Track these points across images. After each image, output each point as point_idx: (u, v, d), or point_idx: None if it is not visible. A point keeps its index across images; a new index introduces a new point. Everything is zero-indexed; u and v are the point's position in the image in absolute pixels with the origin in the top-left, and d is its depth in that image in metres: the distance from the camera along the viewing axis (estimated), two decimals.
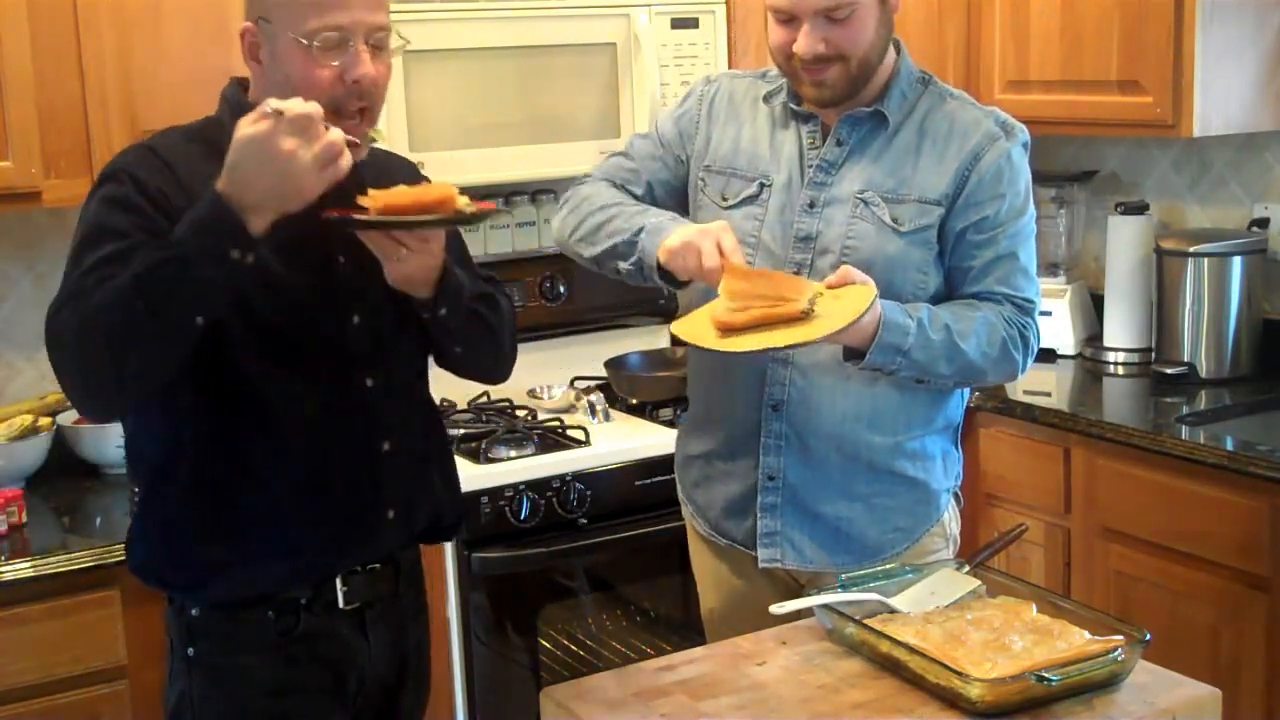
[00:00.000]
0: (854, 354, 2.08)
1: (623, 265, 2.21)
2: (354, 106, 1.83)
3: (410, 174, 2.10)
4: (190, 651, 1.91)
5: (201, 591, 1.89)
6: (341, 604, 1.93)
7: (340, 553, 1.92)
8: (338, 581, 1.92)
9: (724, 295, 1.98)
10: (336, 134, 1.68)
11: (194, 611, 1.90)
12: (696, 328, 2.01)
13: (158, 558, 1.92)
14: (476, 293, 2.00)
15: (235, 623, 1.89)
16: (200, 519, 1.87)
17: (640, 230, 2.18)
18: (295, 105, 1.65)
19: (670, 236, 2.11)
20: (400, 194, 1.80)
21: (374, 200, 1.79)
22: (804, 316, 1.94)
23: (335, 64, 1.80)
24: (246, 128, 1.66)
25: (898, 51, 2.24)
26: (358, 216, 1.78)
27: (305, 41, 1.78)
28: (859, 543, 2.25)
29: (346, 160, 1.69)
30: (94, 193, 1.82)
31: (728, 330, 1.94)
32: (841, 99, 2.19)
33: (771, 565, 2.27)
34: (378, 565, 1.97)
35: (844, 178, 2.21)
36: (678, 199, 2.35)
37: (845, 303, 1.97)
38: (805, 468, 2.23)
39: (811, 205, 2.21)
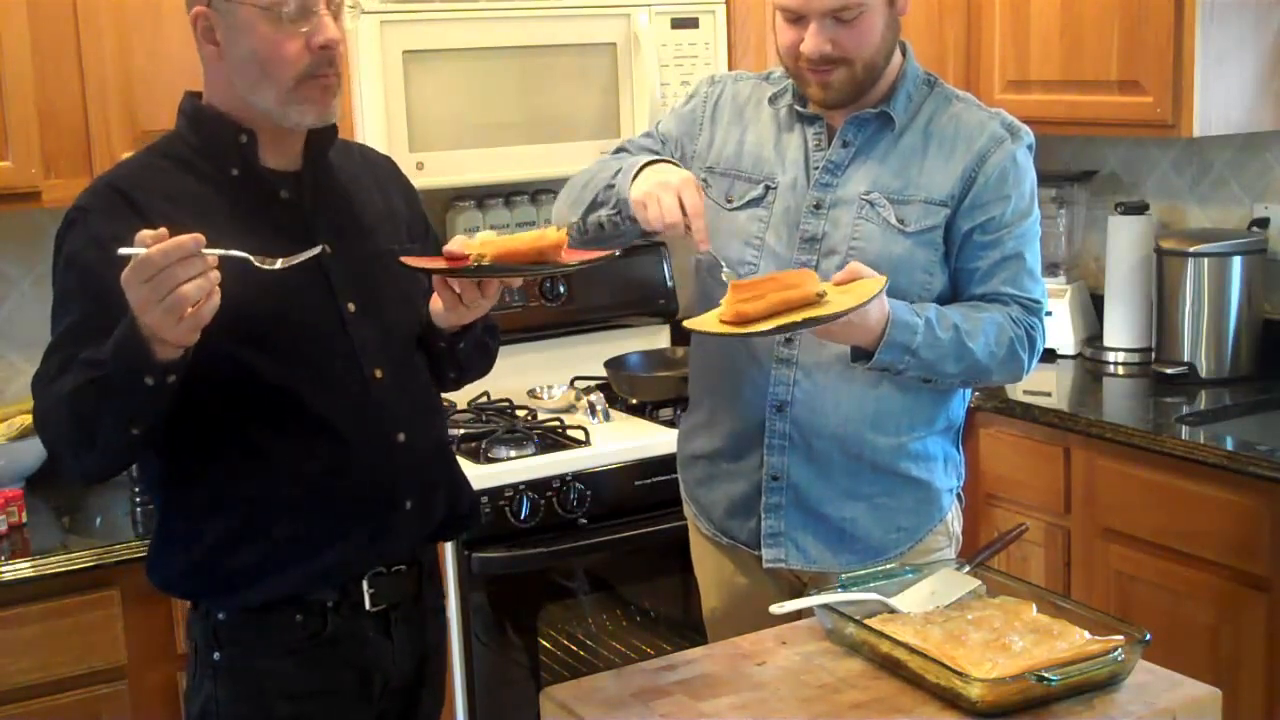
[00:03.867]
0: (862, 354, 2.08)
1: (605, 214, 2.19)
2: (328, 74, 1.83)
3: (392, 171, 2.12)
4: (216, 656, 1.90)
5: (230, 597, 1.89)
6: (368, 605, 1.93)
7: (363, 549, 1.92)
8: (364, 583, 1.93)
9: (728, 306, 1.97)
10: (192, 285, 1.58)
11: (220, 616, 1.90)
12: (708, 325, 2.00)
13: (183, 571, 1.91)
14: (486, 324, 2.05)
15: (262, 627, 1.89)
16: (222, 526, 1.87)
17: (616, 172, 2.18)
18: (139, 249, 1.58)
19: (637, 181, 2.10)
20: (517, 240, 1.85)
21: (490, 247, 1.83)
22: (818, 300, 1.92)
23: (302, 31, 1.79)
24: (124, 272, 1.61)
25: (904, 54, 2.24)
26: (482, 265, 1.82)
27: (272, 10, 1.77)
28: (863, 543, 2.25)
29: (209, 307, 1.61)
30: (61, 238, 1.84)
31: (742, 320, 1.93)
32: (847, 101, 2.19)
33: (776, 565, 2.27)
34: (403, 566, 1.97)
35: (850, 179, 2.21)
36: None
37: (856, 293, 1.96)
38: (809, 468, 2.23)
39: (817, 207, 2.21)
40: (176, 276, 1.58)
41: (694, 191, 2.07)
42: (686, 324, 2.05)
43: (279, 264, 1.72)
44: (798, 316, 1.90)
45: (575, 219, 2.26)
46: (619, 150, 2.41)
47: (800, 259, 2.19)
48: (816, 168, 2.23)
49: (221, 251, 1.64)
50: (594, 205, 2.21)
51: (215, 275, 1.61)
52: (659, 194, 2.06)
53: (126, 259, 1.59)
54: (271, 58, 1.79)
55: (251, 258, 1.70)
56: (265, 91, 1.81)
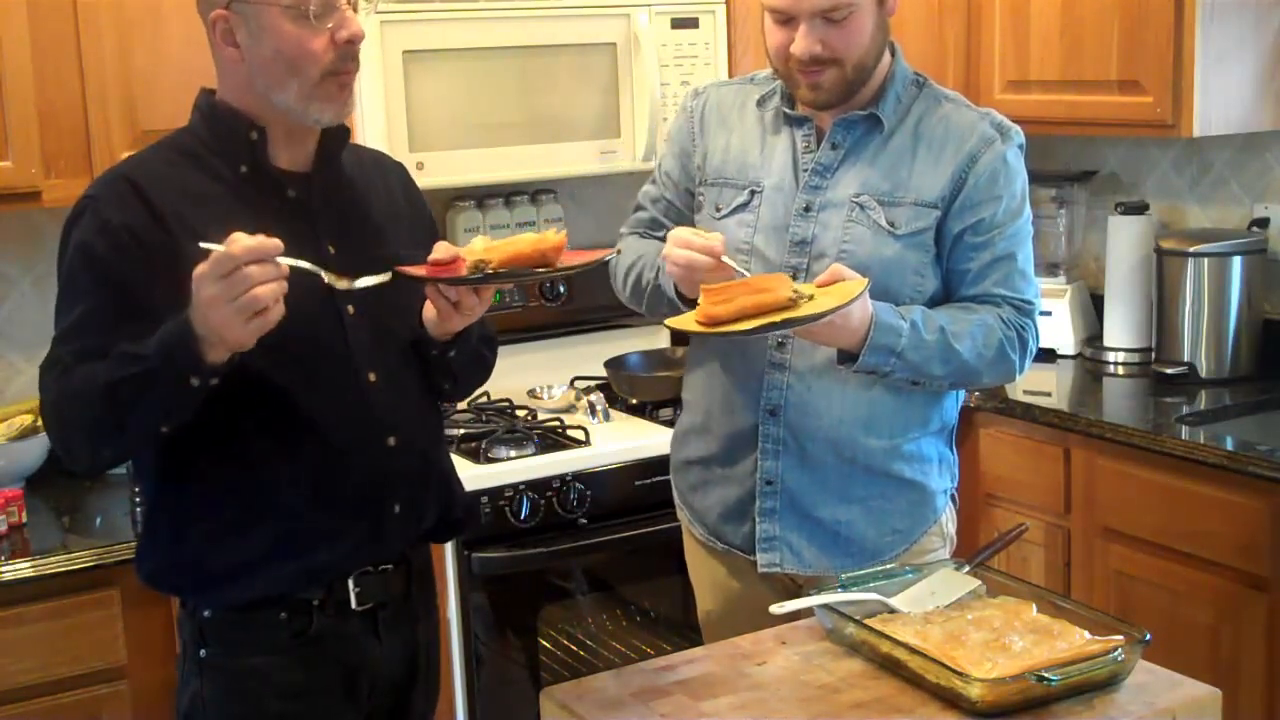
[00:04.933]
0: (847, 357, 2.08)
1: (667, 308, 2.23)
2: (349, 71, 1.85)
3: (401, 177, 2.12)
4: (202, 653, 1.91)
5: (215, 594, 1.89)
6: (354, 605, 1.93)
7: (350, 550, 1.92)
8: (350, 582, 1.93)
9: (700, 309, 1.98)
10: (266, 289, 1.61)
11: (206, 614, 1.90)
12: (686, 323, 2.01)
13: (169, 566, 1.92)
14: (482, 334, 2.04)
15: (248, 624, 1.89)
16: (210, 523, 1.87)
17: (658, 272, 2.24)
18: (219, 247, 1.61)
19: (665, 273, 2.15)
20: (519, 243, 1.84)
21: (494, 253, 1.82)
22: (790, 305, 1.92)
23: (327, 28, 1.81)
24: (198, 266, 1.64)
25: (892, 54, 2.24)
26: (490, 271, 1.82)
27: (296, 8, 1.78)
28: (858, 545, 2.25)
29: (275, 314, 1.64)
30: (70, 227, 1.84)
31: (714, 323, 1.93)
32: (837, 102, 2.18)
33: (771, 570, 2.26)
34: (390, 565, 1.97)
35: (839, 181, 2.21)
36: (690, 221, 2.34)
37: (837, 294, 1.96)
38: (803, 472, 2.23)
39: (807, 209, 2.21)
40: (253, 277, 1.60)
41: (673, 249, 2.07)
42: (668, 321, 2.05)
43: (347, 283, 1.75)
44: (776, 318, 1.90)
45: (651, 316, 2.34)
46: (636, 209, 2.45)
47: (790, 262, 2.19)
48: (805, 170, 2.22)
49: (295, 261, 1.66)
50: (659, 303, 2.27)
51: (284, 284, 1.63)
52: (677, 273, 2.09)
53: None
54: (298, 55, 1.80)
55: (323, 274, 1.72)
56: (289, 89, 1.82)
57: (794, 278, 2.15)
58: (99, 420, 1.75)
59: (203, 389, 1.70)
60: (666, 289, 2.20)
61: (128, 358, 1.71)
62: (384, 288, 1.94)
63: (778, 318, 1.90)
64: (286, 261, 1.64)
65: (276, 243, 1.62)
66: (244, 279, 1.60)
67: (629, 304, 2.40)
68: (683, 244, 2.06)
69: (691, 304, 2.16)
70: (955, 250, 2.19)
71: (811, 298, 1.95)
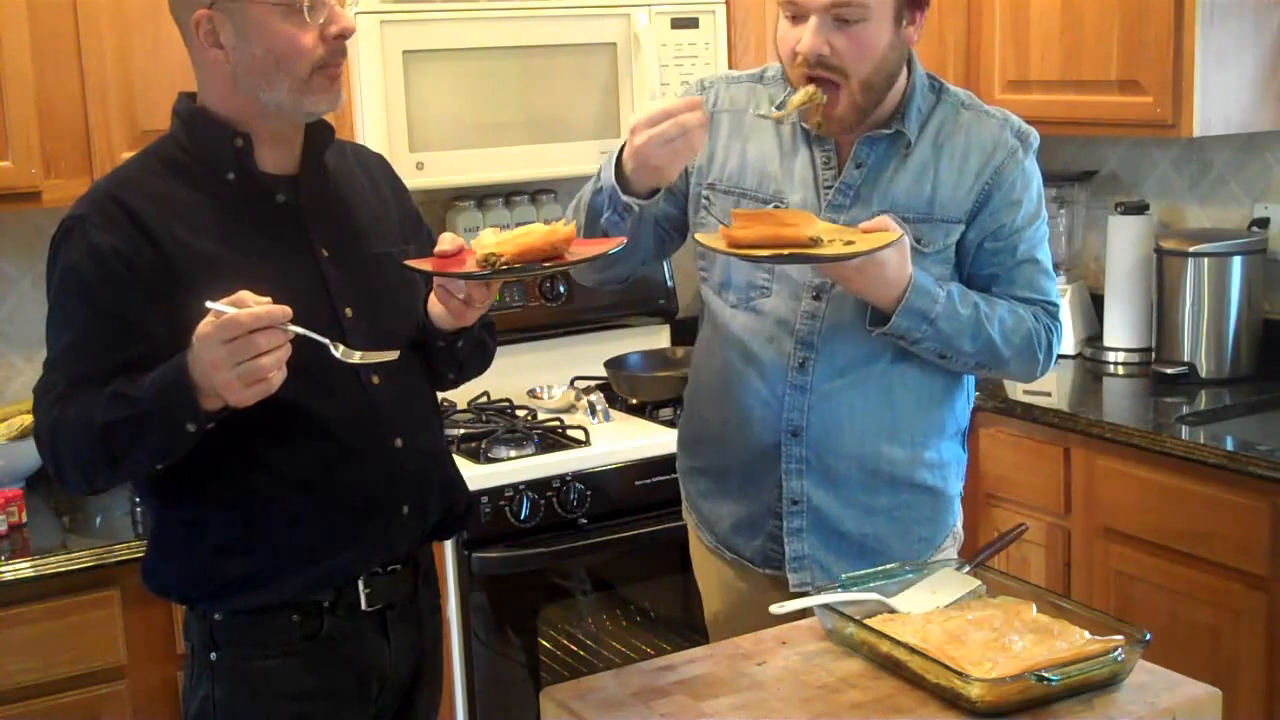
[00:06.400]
0: (880, 320, 2.07)
1: (606, 218, 2.08)
2: (338, 64, 1.84)
3: (385, 170, 2.11)
4: (213, 656, 1.90)
5: (227, 601, 1.89)
6: (364, 606, 1.93)
7: (361, 553, 1.92)
8: (360, 584, 1.93)
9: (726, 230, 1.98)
10: (271, 357, 1.63)
11: (217, 616, 1.89)
12: (714, 241, 2.00)
13: (179, 578, 1.92)
14: (483, 320, 2.04)
15: (260, 627, 1.89)
16: (219, 535, 1.87)
17: (598, 175, 2.11)
18: (230, 309, 1.62)
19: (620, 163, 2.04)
20: (530, 235, 1.83)
21: (506, 246, 1.81)
22: (811, 244, 1.91)
23: (318, 23, 1.80)
24: (202, 325, 1.64)
25: (909, 66, 2.20)
26: (503, 265, 1.80)
27: (291, 5, 1.77)
28: (885, 557, 2.20)
29: (278, 380, 1.65)
30: (57, 248, 1.83)
31: (735, 244, 1.93)
32: (850, 128, 2.14)
33: (803, 589, 2.22)
34: (398, 566, 1.97)
35: (864, 200, 2.16)
36: (679, 225, 2.30)
37: (872, 242, 1.95)
38: (827, 489, 2.20)
39: None
40: (259, 345, 1.61)
41: (643, 113, 1.99)
42: (697, 236, 2.06)
43: (357, 357, 1.76)
44: (798, 251, 1.90)
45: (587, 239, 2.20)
46: None
47: (815, 281, 2.15)
48: (828, 188, 2.17)
49: (303, 330, 1.67)
50: (594, 215, 2.11)
51: (289, 350, 1.64)
52: (639, 147, 1.97)
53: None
54: (288, 52, 1.79)
55: (330, 345, 1.73)
56: (279, 86, 1.81)
57: (817, 297, 2.14)
58: (93, 456, 1.76)
59: (199, 433, 1.71)
60: (608, 182, 2.04)
61: (123, 400, 1.71)
62: (383, 288, 1.95)
63: (799, 251, 1.90)
64: (293, 329, 1.64)
65: (285, 310, 1.63)
66: (250, 346, 1.61)
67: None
68: (664, 112, 1.94)
69: (634, 192, 2.03)
70: (977, 257, 2.18)
71: (851, 242, 1.94)
